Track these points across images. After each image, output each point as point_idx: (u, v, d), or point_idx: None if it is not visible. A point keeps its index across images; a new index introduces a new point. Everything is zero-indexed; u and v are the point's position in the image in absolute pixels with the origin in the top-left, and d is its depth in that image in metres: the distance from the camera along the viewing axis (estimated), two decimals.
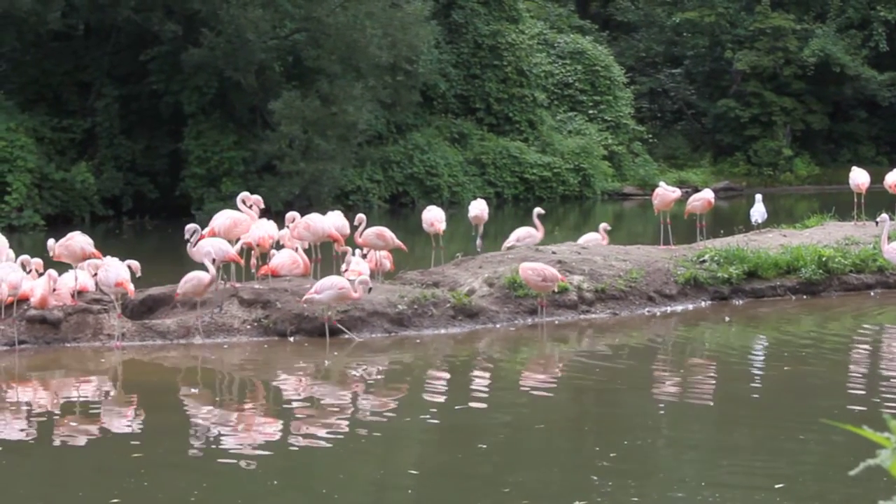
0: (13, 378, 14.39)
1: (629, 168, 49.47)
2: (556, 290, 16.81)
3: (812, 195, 47.41)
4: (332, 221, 17.45)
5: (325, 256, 17.73)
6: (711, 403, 12.64)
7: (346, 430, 11.46)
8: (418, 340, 15.84)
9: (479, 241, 19.97)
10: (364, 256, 17.67)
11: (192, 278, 15.65)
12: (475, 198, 22.97)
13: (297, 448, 10.98)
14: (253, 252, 17.17)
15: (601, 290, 17.45)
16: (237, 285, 16.67)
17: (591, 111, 49.81)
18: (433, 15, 42.76)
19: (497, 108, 46.91)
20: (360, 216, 17.68)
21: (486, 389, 13.54)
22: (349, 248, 17.43)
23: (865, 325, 17.06)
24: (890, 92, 54.92)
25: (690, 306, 17.93)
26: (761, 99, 54.01)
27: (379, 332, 15.99)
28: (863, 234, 20.42)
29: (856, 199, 22.22)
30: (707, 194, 20.76)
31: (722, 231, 21.72)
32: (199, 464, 10.49)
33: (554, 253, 18.32)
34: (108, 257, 16.06)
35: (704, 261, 18.55)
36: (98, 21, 38.11)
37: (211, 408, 12.75)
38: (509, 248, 19.14)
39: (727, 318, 17.39)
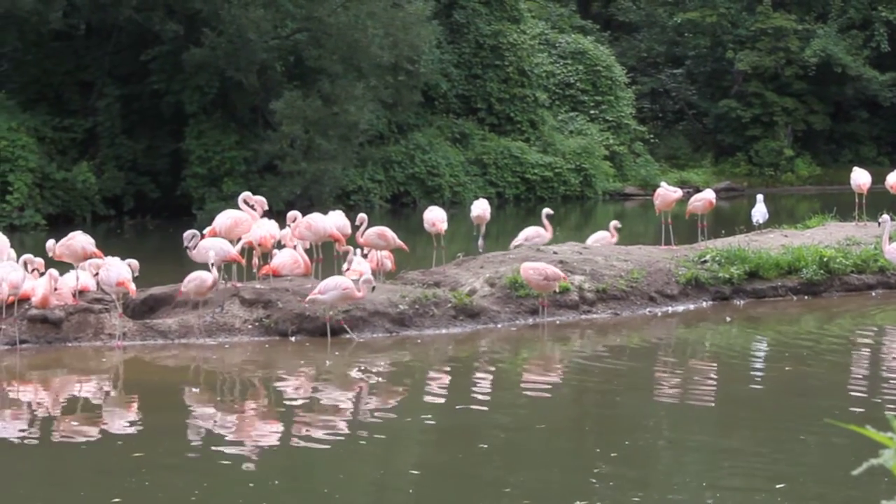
0: (14, 377, 14.39)
1: (630, 168, 49.45)
2: (557, 290, 16.81)
3: (813, 195, 47.39)
4: (334, 221, 17.45)
5: (326, 256, 17.73)
6: (712, 404, 12.64)
7: (347, 430, 11.46)
8: (419, 340, 15.84)
9: (480, 242, 19.96)
10: (365, 256, 17.67)
11: (195, 278, 15.66)
12: (476, 198, 22.96)
13: (297, 448, 10.98)
14: (254, 252, 17.17)
15: (602, 290, 17.45)
16: (238, 285, 16.67)
17: (592, 111, 49.80)
18: (435, 15, 42.75)
19: (498, 108, 46.90)
20: (362, 216, 17.68)
21: (487, 390, 13.54)
22: (351, 248, 17.43)
23: (866, 326, 17.07)
24: (891, 92, 54.89)
25: (692, 306, 17.92)
26: (763, 99, 53.99)
27: (380, 331, 15.99)
28: (864, 235, 20.42)
29: (857, 200, 22.21)
30: (708, 194, 20.75)
31: (723, 231, 21.72)
32: (199, 464, 10.49)
33: (555, 253, 18.32)
34: (110, 257, 16.06)
35: (706, 261, 18.55)
36: (99, 21, 38.11)
37: (212, 408, 12.75)
38: (517, 248, 19.13)
39: (728, 319, 17.39)
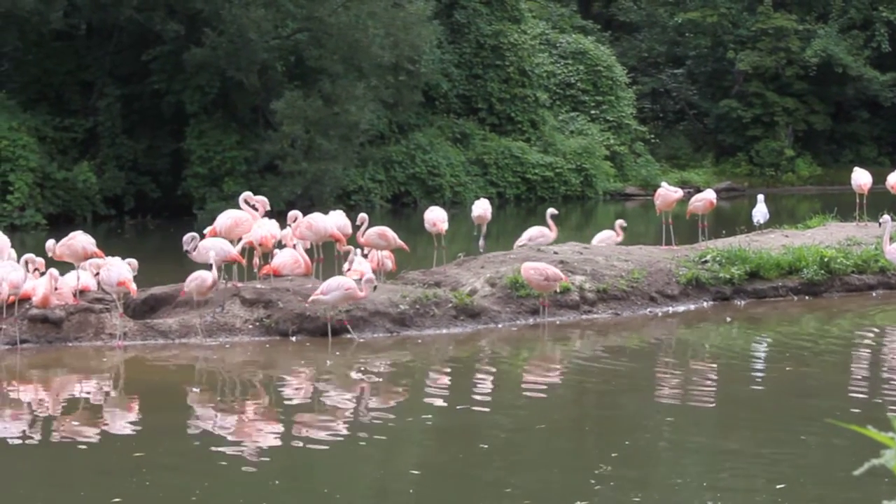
0: (15, 377, 14.39)
1: (631, 168, 49.44)
2: (558, 290, 16.81)
3: (814, 196, 47.38)
4: (335, 221, 17.45)
5: (326, 256, 17.73)
6: (713, 404, 12.64)
7: (348, 430, 11.46)
8: (420, 340, 15.84)
9: (481, 242, 19.96)
10: (365, 256, 17.67)
11: (197, 277, 15.66)
12: (477, 198, 22.95)
13: (298, 448, 10.98)
14: (255, 252, 17.17)
15: (603, 290, 17.44)
16: (239, 285, 16.67)
17: (593, 111, 49.79)
18: (435, 15, 42.75)
19: (499, 108, 46.90)
20: (363, 216, 17.68)
21: (488, 390, 13.54)
22: (352, 248, 17.42)
23: (867, 326, 17.06)
24: (892, 92, 54.88)
25: (692, 307, 17.92)
26: (763, 99, 53.99)
27: (381, 331, 15.99)
28: (865, 235, 20.42)
29: (858, 200, 22.21)
30: (709, 195, 20.75)
31: (724, 231, 21.71)
32: (200, 464, 10.49)
33: (556, 253, 18.32)
34: (111, 257, 16.05)
35: (706, 261, 18.55)
36: (100, 20, 38.11)
37: (212, 408, 12.75)
38: (521, 248, 19.12)
39: (729, 319, 17.38)
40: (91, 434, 11.55)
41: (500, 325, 16.61)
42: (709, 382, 13.75)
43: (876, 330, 16.92)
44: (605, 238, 20.04)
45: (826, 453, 10.39)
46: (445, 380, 14.04)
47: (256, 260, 17.25)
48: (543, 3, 53.95)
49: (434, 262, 18.99)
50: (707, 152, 54.58)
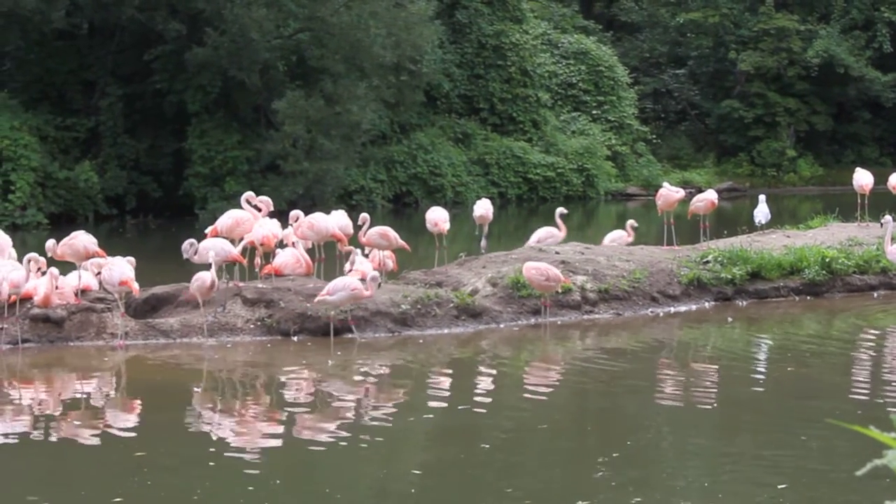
0: (16, 376, 14.39)
1: (633, 168, 49.44)
2: (559, 290, 16.81)
3: (815, 196, 47.38)
4: (336, 221, 17.45)
5: (328, 256, 17.74)
6: (714, 405, 12.63)
7: (349, 430, 11.46)
8: (421, 340, 15.84)
9: (483, 242, 19.96)
10: (366, 256, 17.67)
11: (197, 278, 15.67)
12: (479, 198, 22.95)
13: (299, 448, 10.98)
14: (256, 251, 17.17)
15: (604, 290, 17.44)
16: (241, 284, 16.67)
17: (594, 111, 49.79)
18: (437, 15, 42.75)
19: (501, 108, 46.90)
20: (364, 216, 17.68)
21: (489, 390, 13.53)
22: (353, 249, 17.42)
23: (868, 327, 17.05)
24: (894, 93, 54.87)
25: (694, 307, 17.92)
26: (765, 100, 53.98)
27: (382, 331, 15.99)
28: (866, 236, 20.42)
29: (859, 200, 22.21)
30: (710, 195, 20.75)
31: (725, 232, 21.71)
32: (201, 463, 10.49)
33: (557, 253, 18.31)
34: (115, 258, 16.06)
35: (708, 261, 18.55)
36: (102, 20, 38.12)
37: (214, 407, 12.75)
38: (530, 248, 19.10)
39: (730, 319, 17.38)
40: (92, 434, 11.56)
41: (501, 325, 16.61)
42: (710, 383, 13.75)
43: (877, 330, 16.92)
44: (616, 238, 20.04)
45: (828, 454, 10.38)
46: (447, 380, 14.04)
47: (258, 260, 17.25)
48: (545, 4, 53.95)
49: (435, 261, 18.99)
50: (709, 152, 54.58)
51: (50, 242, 16.29)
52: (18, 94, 36.73)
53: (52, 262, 16.13)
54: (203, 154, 36.85)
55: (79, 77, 38.43)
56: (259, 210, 17.17)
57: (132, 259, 16.10)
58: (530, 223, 20.39)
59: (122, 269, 15.44)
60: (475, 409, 12.34)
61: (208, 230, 17.01)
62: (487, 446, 10.93)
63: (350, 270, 16.83)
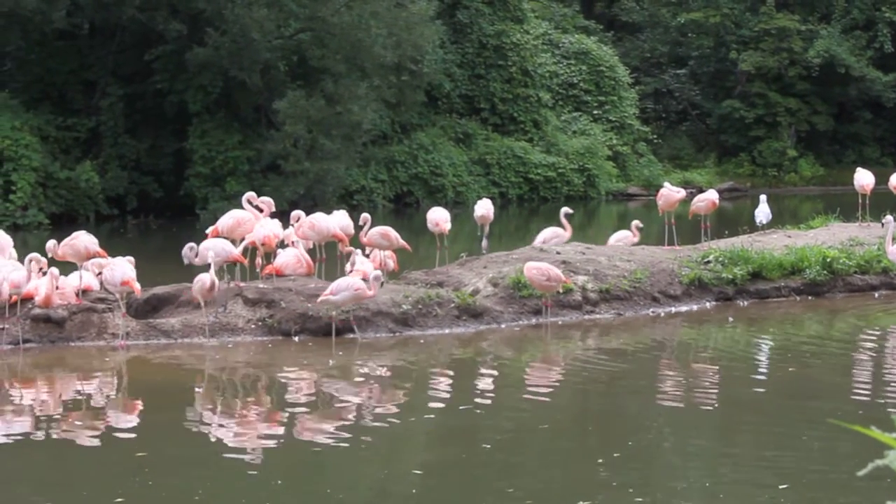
0: (17, 377, 14.40)
1: (634, 168, 49.45)
2: (560, 290, 16.81)
3: (816, 196, 47.38)
4: (337, 221, 17.45)
5: (329, 256, 17.74)
6: (716, 404, 12.63)
7: (350, 430, 11.46)
8: (422, 340, 15.84)
9: (485, 242, 19.95)
10: (367, 256, 17.67)
11: (198, 280, 15.67)
12: (479, 198, 22.95)
13: (300, 448, 10.98)
14: (258, 251, 17.17)
15: (605, 290, 17.44)
16: (242, 285, 16.67)
17: (595, 111, 49.80)
18: (438, 15, 42.76)
19: (502, 108, 46.91)
20: (365, 216, 17.68)
21: (490, 390, 13.53)
22: (354, 250, 17.41)
23: (870, 327, 17.05)
24: (895, 93, 54.87)
25: (695, 307, 17.92)
26: (766, 100, 53.98)
27: (383, 331, 15.99)
28: (867, 236, 20.41)
29: (860, 200, 22.21)
30: (711, 195, 20.75)
31: (726, 232, 21.71)
32: (202, 463, 10.49)
33: (558, 253, 18.31)
34: (116, 258, 16.06)
35: (709, 261, 18.54)
36: (103, 20, 38.13)
37: (215, 407, 12.75)
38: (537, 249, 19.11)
39: (731, 319, 17.38)
40: (93, 434, 11.56)
41: (502, 326, 16.61)
42: (711, 383, 13.74)
43: (878, 330, 16.91)
44: (622, 238, 20.06)
45: (829, 454, 10.38)
46: (448, 380, 14.04)
47: (259, 260, 17.25)
48: (546, 4, 53.96)
49: (437, 261, 18.99)
50: (709, 153, 54.59)
51: (50, 243, 16.27)
52: (19, 94, 36.75)
53: (52, 262, 16.13)
54: (204, 154, 36.86)
55: (80, 77, 38.43)
56: (261, 211, 17.17)
57: (131, 259, 16.10)
58: (531, 223, 20.40)
59: (123, 269, 15.45)
60: (476, 410, 12.34)
61: (209, 230, 17.01)
62: (488, 446, 10.93)
63: (351, 271, 16.83)
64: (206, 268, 15.97)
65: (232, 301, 16.22)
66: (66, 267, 16.47)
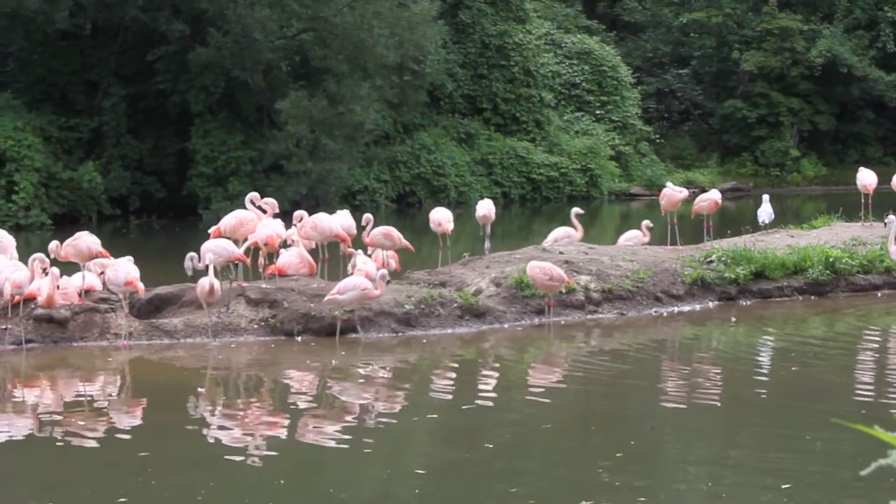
0: (20, 377, 14.40)
1: (636, 168, 49.45)
2: (563, 290, 16.81)
3: (819, 196, 47.38)
4: (340, 221, 17.45)
5: (332, 256, 17.74)
6: (718, 404, 12.62)
7: (353, 429, 11.46)
8: (425, 340, 15.84)
9: (487, 243, 19.95)
10: (369, 256, 17.67)
11: (199, 284, 15.67)
12: (482, 198, 22.96)
13: (303, 447, 10.99)
14: (260, 251, 17.18)
15: (608, 290, 17.44)
16: (244, 285, 16.67)
17: (598, 111, 49.80)
18: (440, 15, 42.76)
19: (504, 108, 46.91)
20: (368, 216, 17.69)
21: (493, 389, 13.53)
22: (355, 252, 17.39)
23: (872, 326, 17.05)
24: None
25: (697, 307, 17.91)
26: (768, 99, 53.97)
27: (386, 331, 15.99)
28: (870, 235, 20.40)
29: (863, 200, 22.20)
30: (714, 195, 20.74)
31: (729, 231, 21.70)
32: (206, 463, 10.50)
33: (561, 253, 18.31)
34: (120, 258, 16.06)
35: (711, 261, 18.54)
36: (105, 20, 38.14)
37: (218, 407, 12.76)
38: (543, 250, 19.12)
39: (734, 319, 17.38)
40: (96, 433, 11.55)
41: (505, 325, 16.61)
42: (714, 383, 13.74)
43: (881, 330, 16.91)
44: (632, 238, 20.08)
45: (832, 454, 10.38)
46: (450, 380, 14.04)
47: (261, 260, 17.26)
48: (548, 3, 53.96)
49: (439, 261, 18.99)
50: (712, 152, 54.58)
51: (53, 244, 16.28)
52: (22, 94, 36.78)
53: (55, 262, 16.13)
54: (206, 154, 36.87)
55: (82, 77, 38.45)
56: (264, 212, 17.18)
57: (131, 258, 16.10)
58: (534, 223, 20.39)
59: (127, 269, 15.45)
60: (479, 409, 12.34)
61: (212, 230, 17.02)
62: (491, 446, 10.94)
63: (352, 273, 16.81)
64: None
65: (235, 301, 16.22)
66: (69, 267, 16.47)
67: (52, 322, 15.52)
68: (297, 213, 17.35)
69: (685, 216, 21.72)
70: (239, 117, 37.76)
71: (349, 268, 17.17)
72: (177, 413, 12.43)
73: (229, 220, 16.93)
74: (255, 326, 15.91)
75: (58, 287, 15.68)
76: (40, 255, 15.92)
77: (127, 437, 11.45)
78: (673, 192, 20.25)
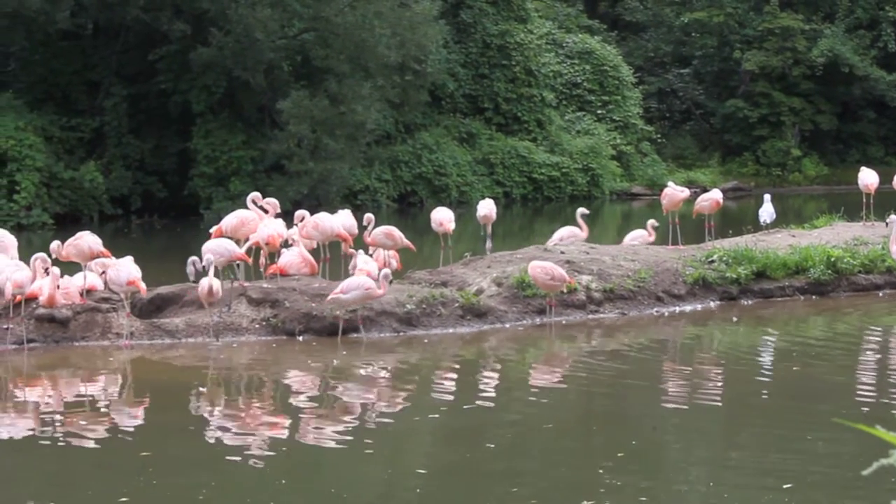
0: (22, 376, 14.40)
1: (637, 168, 49.46)
2: (565, 290, 16.81)
3: (821, 195, 47.37)
4: (341, 221, 17.46)
5: (333, 256, 17.74)
6: (720, 403, 12.62)
7: (355, 429, 11.46)
8: (427, 340, 15.84)
9: (488, 243, 19.94)
10: (370, 255, 17.67)
11: (199, 286, 15.67)
12: (483, 197, 22.96)
13: (305, 447, 10.99)
14: (262, 251, 17.18)
15: (610, 289, 17.43)
16: (246, 284, 16.67)
17: (599, 111, 49.81)
18: (442, 14, 42.77)
19: (505, 107, 46.92)
20: (369, 216, 17.69)
21: (495, 389, 13.53)
22: (355, 252, 17.39)
23: (874, 326, 17.05)
24: None
25: (699, 306, 17.91)
26: (770, 99, 53.97)
27: (387, 331, 15.99)
28: (871, 235, 20.40)
29: (864, 200, 22.19)
30: (715, 194, 20.73)
31: (730, 231, 21.70)
32: (207, 463, 10.50)
33: (562, 253, 18.31)
34: (122, 258, 16.06)
35: (713, 261, 18.54)
36: (107, 20, 38.16)
37: (219, 407, 12.76)
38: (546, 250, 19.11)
39: (735, 319, 17.37)
40: (98, 433, 11.55)
41: (506, 325, 16.61)
42: (716, 382, 13.73)
43: (883, 330, 16.91)
44: (637, 237, 20.08)
45: (833, 454, 10.37)
46: (452, 379, 14.04)
47: (263, 259, 17.26)
48: (550, 3, 53.96)
49: (440, 261, 18.99)
50: (713, 152, 54.59)
51: (54, 244, 16.27)
52: (23, 94, 36.80)
53: (56, 262, 16.13)
54: (208, 154, 36.88)
55: (83, 77, 38.47)
56: (266, 212, 17.18)
57: (130, 258, 16.10)
58: (535, 223, 20.38)
59: (129, 269, 15.45)
60: (481, 409, 12.34)
61: (213, 230, 17.02)
62: (492, 446, 10.93)
63: (353, 273, 16.82)
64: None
65: (236, 301, 16.22)
66: (71, 267, 16.47)
67: (54, 322, 15.52)
68: (299, 213, 17.35)
69: (686, 216, 21.71)
70: (240, 117, 37.77)
71: (350, 268, 17.17)
72: (178, 413, 12.43)
73: (231, 220, 16.93)
74: (257, 326, 15.91)
75: (59, 287, 15.69)
76: (42, 254, 15.91)
77: (128, 436, 11.45)
78: (674, 192, 20.24)
